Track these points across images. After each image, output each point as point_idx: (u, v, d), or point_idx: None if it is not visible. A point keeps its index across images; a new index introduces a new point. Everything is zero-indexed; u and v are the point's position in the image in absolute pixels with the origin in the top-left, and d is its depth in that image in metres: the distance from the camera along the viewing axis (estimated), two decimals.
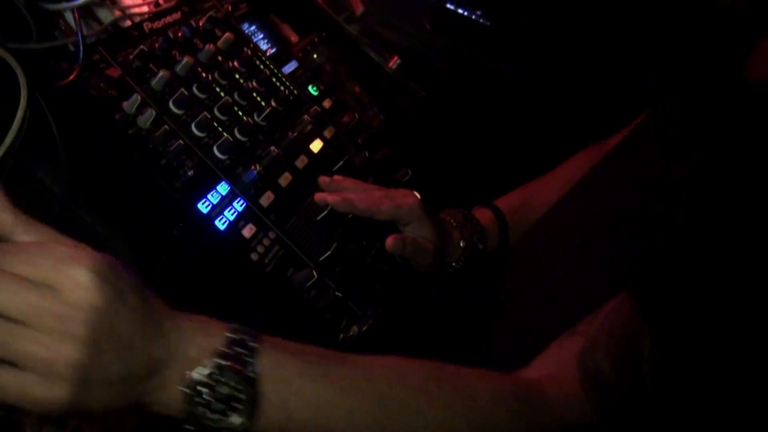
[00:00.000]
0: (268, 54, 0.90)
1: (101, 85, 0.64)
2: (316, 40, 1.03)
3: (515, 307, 0.82)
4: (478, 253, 0.87)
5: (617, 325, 0.64)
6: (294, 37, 1.04)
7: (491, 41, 1.31)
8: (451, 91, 1.21)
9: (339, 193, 0.77)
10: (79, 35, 0.62)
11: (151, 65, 0.70)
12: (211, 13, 0.81)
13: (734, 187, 0.64)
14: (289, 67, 0.92)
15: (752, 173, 0.63)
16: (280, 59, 0.91)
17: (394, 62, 1.13)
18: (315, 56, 1.03)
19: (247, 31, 0.89)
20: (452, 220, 0.87)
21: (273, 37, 0.96)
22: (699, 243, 0.62)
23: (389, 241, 0.76)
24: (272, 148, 0.75)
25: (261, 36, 0.93)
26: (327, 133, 0.86)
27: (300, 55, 0.99)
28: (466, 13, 1.28)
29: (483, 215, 0.91)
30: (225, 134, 0.71)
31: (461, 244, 0.85)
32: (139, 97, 0.65)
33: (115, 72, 0.66)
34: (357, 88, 1.06)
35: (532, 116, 1.29)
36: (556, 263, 0.79)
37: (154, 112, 0.65)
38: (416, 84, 1.15)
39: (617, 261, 0.71)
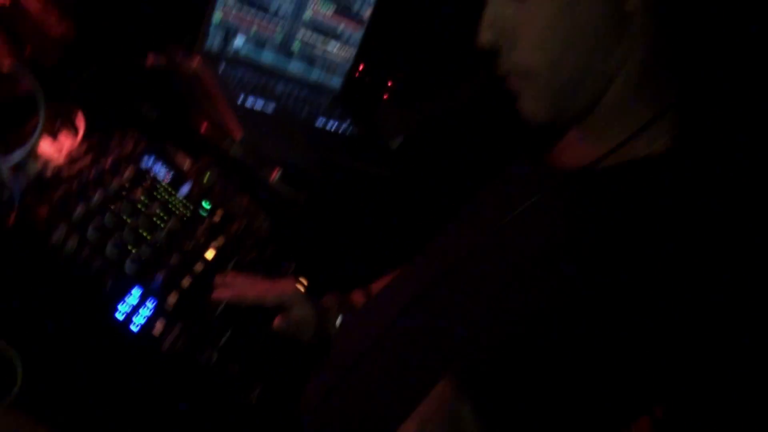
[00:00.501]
0: (165, 180, 1.10)
1: (34, 221, 0.83)
2: (205, 162, 1.25)
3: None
4: None
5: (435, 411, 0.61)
6: (188, 162, 1.25)
7: (362, 148, 1.57)
8: (327, 194, 1.44)
9: (231, 288, 0.97)
10: (16, 187, 0.81)
11: (70, 202, 0.89)
12: (114, 154, 1.02)
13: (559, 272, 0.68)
14: (185, 188, 1.12)
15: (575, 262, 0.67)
16: (176, 183, 1.11)
17: (275, 174, 1.36)
18: (207, 176, 1.24)
19: (146, 164, 1.10)
20: (331, 303, 1.08)
21: (170, 164, 1.16)
22: (528, 329, 0.66)
23: (275, 323, 0.96)
24: (173, 258, 0.94)
25: (159, 164, 1.13)
26: (218, 242, 1.06)
27: (194, 177, 1.19)
28: (334, 128, 1.54)
29: (358, 297, 1.12)
30: (134, 250, 0.90)
31: (338, 323, 1.06)
32: (64, 228, 0.84)
33: (43, 211, 0.85)
34: (245, 201, 1.28)
35: (403, 213, 1.54)
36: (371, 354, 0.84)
37: (75, 239, 0.84)
38: (296, 190, 1.37)
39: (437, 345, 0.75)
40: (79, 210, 0.88)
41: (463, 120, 2.07)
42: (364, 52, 1.72)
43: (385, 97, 2.00)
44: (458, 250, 0.81)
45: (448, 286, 0.79)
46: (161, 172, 1.12)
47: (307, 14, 1.57)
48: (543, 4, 0.67)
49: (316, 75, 1.65)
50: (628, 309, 0.62)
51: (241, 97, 1.37)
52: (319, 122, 1.50)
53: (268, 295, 0.99)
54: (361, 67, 2.29)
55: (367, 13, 1.65)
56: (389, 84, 2.38)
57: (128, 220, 0.94)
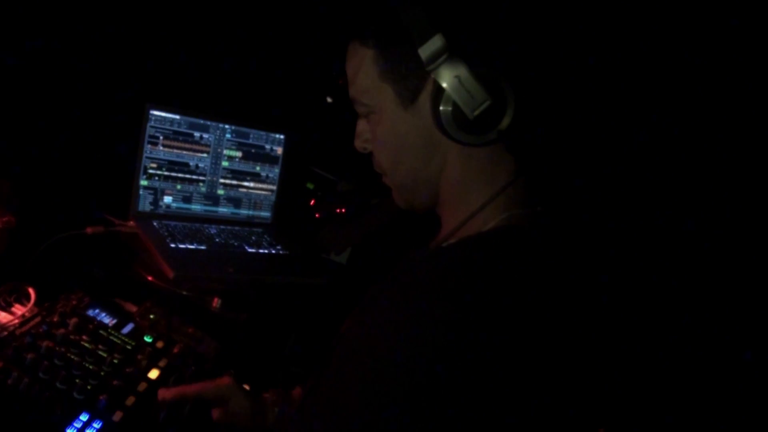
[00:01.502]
0: (110, 325, 1.28)
1: None
2: (149, 305, 1.43)
3: None
4: None
5: None
6: (134, 308, 1.43)
7: (294, 265, 1.76)
8: (266, 309, 1.61)
9: (173, 389, 1.13)
10: None
11: (23, 354, 1.07)
12: (60, 310, 1.21)
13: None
14: (128, 328, 1.30)
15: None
16: (119, 325, 1.29)
17: (216, 302, 1.54)
18: (152, 316, 1.42)
19: (91, 314, 1.28)
20: (270, 397, 1.22)
21: (115, 312, 1.34)
22: None
23: (214, 415, 1.12)
24: (115, 382, 1.11)
25: (104, 314, 1.31)
26: (161, 363, 1.23)
27: (138, 318, 1.37)
28: (265, 252, 1.74)
29: (298, 392, 1.26)
30: (79, 381, 1.06)
31: (275, 411, 1.20)
32: (16, 374, 1.01)
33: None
34: (190, 329, 1.45)
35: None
36: None
37: (27, 381, 1.00)
38: (237, 312, 1.55)
39: None
40: (29, 358, 1.05)
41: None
42: (289, 183, 1.96)
43: (316, 216, 2.23)
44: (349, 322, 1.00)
45: (337, 355, 0.89)
46: (105, 318, 1.30)
47: (225, 163, 1.82)
48: (378, 125, 0.91)
49: (245, 213, 1.88)
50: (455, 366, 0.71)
51: (176, 243, 1.58)
52: (252, 249, 1.70)
53: (206, 389, 1.15)
54: (312, 202, 2.55)
55: (278, 151, 1.90)
56: (338, 211, 2.62)
57: (74, 358, 1.11)
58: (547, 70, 0.90)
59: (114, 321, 1.31)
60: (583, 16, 1.70)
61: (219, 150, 1.80)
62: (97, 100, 1.69)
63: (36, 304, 1.26)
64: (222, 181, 1.83)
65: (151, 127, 1.68)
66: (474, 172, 0.89)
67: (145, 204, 1.70)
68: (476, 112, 0.82)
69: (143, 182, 1.68)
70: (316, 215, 2.25)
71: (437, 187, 0.92)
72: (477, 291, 0.75)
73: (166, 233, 1.61)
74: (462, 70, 0.81)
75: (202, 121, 1.76)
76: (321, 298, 1.74)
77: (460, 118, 0.83)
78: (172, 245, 1.56)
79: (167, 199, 1.73)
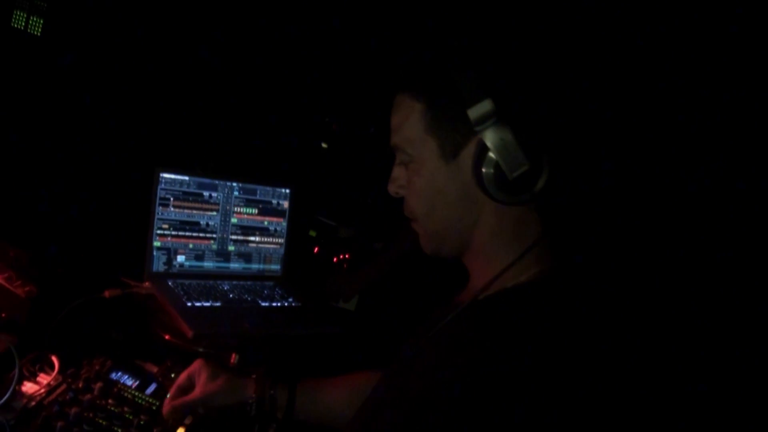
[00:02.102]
0: (133, 386, 1.30)
1: None
2: (169, 364, 1.45)
3: None
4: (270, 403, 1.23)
5: None
6: (155, 368, 1.45)
7: (307, 317, 1.79)
8: (285, 362, 1.63)
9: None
10: (5, 422, 1.01)
11: (52, 423, 1.09)
12: (84, 375, 1.23)
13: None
14: (151, 389, 1.32)
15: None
16: (143, 386, 1.31)
17: (234, 359, 1.56)
18: (173, 375, 1.44)
19: (114, 377, 1.30)
20: (254, 374, 1.26)
21: (137, 373, 1.37)
22: None
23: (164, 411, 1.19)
24: None
25: (127, 376, 1.34)
26: (187, 421, 1.24)
27: (160, 378, 1.39)
28: (278, 305, 1.76)
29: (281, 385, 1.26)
30: None
31: (254, 393, 1.23)
32: None
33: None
34: None
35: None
36: None
37: None
38: (253, 366, 1.57)
39: None
40: (59, 426, 1.07)
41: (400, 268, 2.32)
42: (296, 235, 2.00)
43: (336, 261, 2.27)
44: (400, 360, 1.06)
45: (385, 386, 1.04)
46: (128, 380, 1.32)
47: (234, 220, 1.86)
48: (417, 174, 0.96)
49: (255, 268, 1.92)
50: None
51: (192, 302, 1.61)
52: (265, 303, 1.73)
53: (179, 380, 1.22)
54: (316, 250, 2.59)
55: (285, 204, 1.95)
56: (341, 257, 2.66)
57: (103, 422, 1.14)
58: (580, 143, 0.97)
59: (137, 382, 1.33)
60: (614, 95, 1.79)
61: (228, 207, 1.85)
62: (108, 167, 1.74)
63: (60, 371, 1.28)
64: (232, 237, 1.87)
65: (162, 189, 1.73)
66: (506, 228, 0.96)
67: (159, 264, 1.73)
68: (515, 174, 0.88)
69: (156, 243, 1.72)
70: (335, 259, 2.29)
71: (469, 238, 0.98)
72: (538, 339, 0.84)
73: (181, 292, 1.64)
74: (507, 135, 0.88)
75: (210, 181, 1.81)
76: (335, 347, 1.77)
77: (500, 179, 0.89)
78: (189, 304, 1.59)
79: (180, 258, 1.77)
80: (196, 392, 1.22)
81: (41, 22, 1.73)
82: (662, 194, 1.95)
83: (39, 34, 1.56)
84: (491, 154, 0.88)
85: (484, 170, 0.89)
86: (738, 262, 1.89)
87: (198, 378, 1.25)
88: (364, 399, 1.20)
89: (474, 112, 0.87)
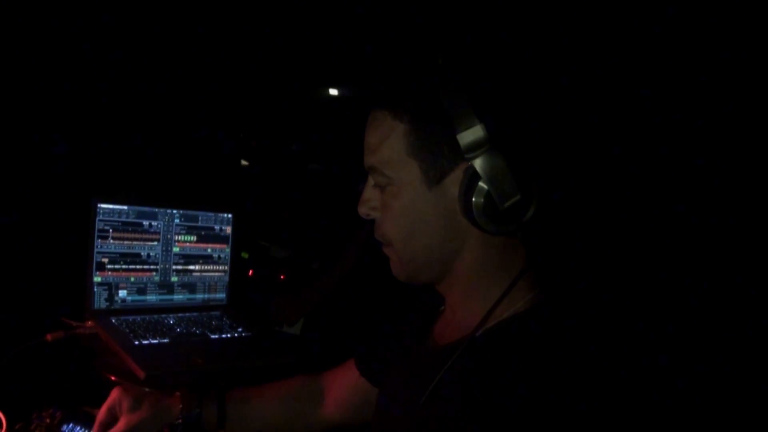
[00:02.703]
0: None
1: None
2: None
3: None
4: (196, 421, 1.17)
5: None
6: None
7: (259, 347, 1.74)
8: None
9: None
10: None
11: None
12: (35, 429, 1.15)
13: None
14: None
15: None
16: None
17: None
18: None
19: (66, 430, 1.22)
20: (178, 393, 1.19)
21: (89, 422, 1.28)
22: None
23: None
24: None
25: (79, 428, 1.26)
26: None
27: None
28: (228, 336, 1.71)
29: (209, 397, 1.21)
30: None
31: (179, 413, 1.17)
32: None
33: None
34: (166, 429, 1.40)
35: None
36: None
37: None
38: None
39: None
40: None
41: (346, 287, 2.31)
42: (238, 261, 1.95)
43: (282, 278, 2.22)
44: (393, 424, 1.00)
45: None
46: (81, 430, 1.25)
47: (176, 249, 1.79)
48: (395, 198, 0.90)
49: (200, 298, 1.85)
50: None
51: (139, 340, 1.53)
52: (215, 335, 1.67)
53: (99, 415, 1.14)
54: (251, 272, 2.52)
55: (227, 230, 1.89)
56: (281, 278, 2.62)
57: None
58: (569, 173, 0.96)
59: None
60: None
61: (169, 236, 1.78)
62: (38, 200, 1.64)
63: (8, 429, 1.19)
64: (175, 267, 1.80)
65: (100, 221, 1.64)
66: (491, 257, 0.92)
67: (100, 301, 1.64)
68: (507, 204, 0.84)
69: (96, 279, 1.64)
70: (282, 277, 2.25)
71: (449, 267, 0.93)
72: (577, 374, 0.82)
73: (127, 330, 1.56)
74: (501, 163, 0.83)
75: (150, 209, 1.74)
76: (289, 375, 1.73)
77: (490, 208, 0.84)
78: (136, 342, 1.51)
79: (122, 293, 1.69)
80: (120, 425, 1.13)
81: None
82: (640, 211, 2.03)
83: None
84: (482, 183, 0.84)
85: (474, 199, 0.84)
86: (718, 282, 1.98)
87: (119, 409, 1.15)
88: (300, 407, 1.22)
89: (465, 138, 0.83)
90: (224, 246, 1.90)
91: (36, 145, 1.64)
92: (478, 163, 0.84)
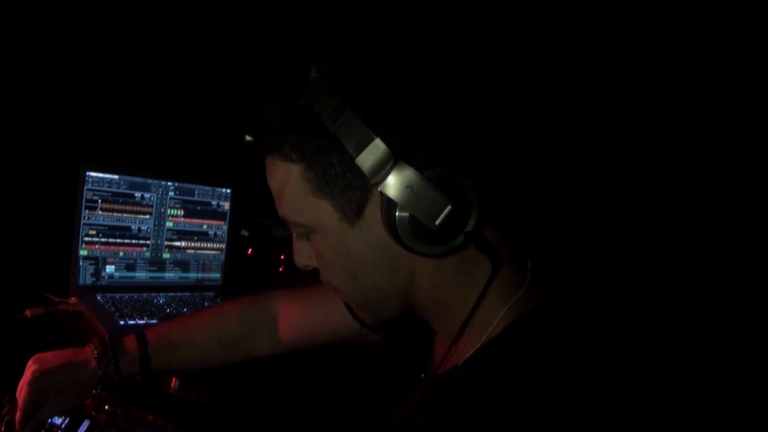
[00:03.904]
0: (62, 426, 1.12)
1: None
2: (102, 394, 1.27)
3: None
4: (116, 378, 1.07)
5: None
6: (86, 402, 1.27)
7: None
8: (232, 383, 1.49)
9: None
10: None
11: None
12: (6, 418, 1.05)
13: None
14: (84, 427, 1.14)
15: None
16: (74, 425, 1.14)
17: (174, 383, 1.40)
18: (107, 407, 1.26)
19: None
20: (94, 351, 1.06)
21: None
22: None
23: None
24: None
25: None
26: None
27: (93, 413, 1.22)
28: None
29: (129, 343, 1.09)
30: None
31: (98, 373, 1.06)
32: None
33: None
34: (150, 417, 1.30)
35: None
36: None
37: None
38: (198, 391, 1.41)
39: None
40: None
41: None
42: (237, 239, 1.84)
43: (281, 270, 2.11)
44: None
45: None
46: (57, 419, 1.14)
47: (169, 224, 1.68)
48: (322, 244, 0.77)
49: (193, 277, 1.74)
50: None
51: (125, 320, 1.43)
52: None
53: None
54: (250, 251, 2.41)
55: (225, 206, 1.78)
56: (281, 257, 2.50)
57: None
58: (504, 157, 0.81)
59: (66, 420, 1.15)
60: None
61: (162, 210, 1.67)
62: (24, 165, 1.53)
63: None
64: (167, 244, 1.69)
65: (89, 190, 1.53)
66: (449, 278, 0.79)
67: (86, 276, 1.54)
68: (438, 221, 0.70)
69: (83, 252, 1.53)
70: (280, 269, 2.14)
71: (409, 297, 0.80)
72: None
73: (113, 308, 1.46)
74: (414, 178, 0.69)
75: (142, 180, 1.62)
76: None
77: (420, 230, 0.70)
78: (121, 322, 1.41)
79: (109, 268, 1.58)
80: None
81: None
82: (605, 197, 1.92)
83: None
84: (404, 206, 0.69)
85: (399, 225, 0.70)
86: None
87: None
88: (236, 334, 1.14)
89: (364, 162, 0.68)
90: (221, 223, 1.79)
91: (23, 106, 1.52)
92: (388, 186, 0.69)
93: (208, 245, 1.77)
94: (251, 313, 1.18)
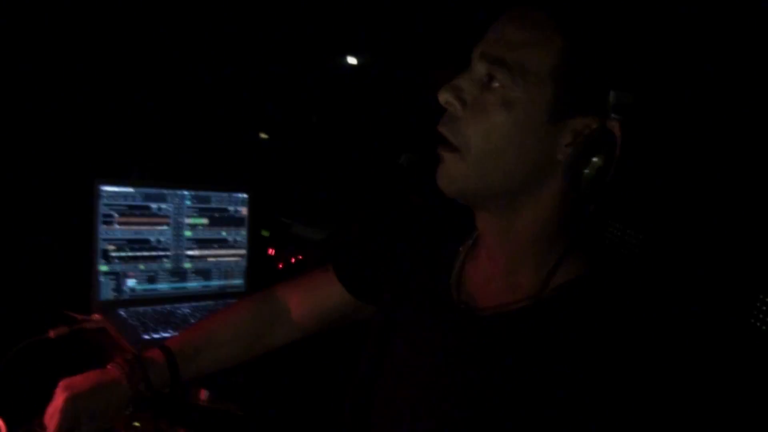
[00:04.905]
0: None
1: None
2: (132, 411, 1.25)
3: None
4: (149, 394, 1.06)
5: None
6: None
7: None
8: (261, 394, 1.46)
9: None
10: None
11: None
12: None
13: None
14: None
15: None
16: None
17: (204, 395, 1.38)
18: (136, 424, 1.24)
19: None
20: (122, 369, 1.04)
21: None
22: None
23: None
24: None
25: None
26: None
27: (122, 428, 1.20)
28: None
29: (155, 355, 1.07)
30: None
31: (129, 392, 1.04)
32: None
33: None
34: (181, 430, 1.28)
35: None
36: None
37: None
38: (230, 402, 1.39)
39: None
40: None
41: None
42: (258, 242, 1.81)
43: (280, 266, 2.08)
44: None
45: None
46: None
47: (188, 233, 1.66)
48: (503, 108, 0.77)
49: (216, 284, 1.72)
50: None
51: (149, 333, 1.41)
52: None
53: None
54: (271, 252, 2.38)
55: (243, 211, 1.76)
56: (299, 257, 2.47)
57: None
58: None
59: None
60: None
61: (180, 220, 1.64)
62: (37, 182, 1.51)
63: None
64: (187, 253, 1.66)
65: (104, 205, 1.51)
66: (560, 216, 0.82)
67: (107, 292, 1.52)
68: (611, 178, 0.77)
69: (102, 267, 1.51)
70: (292, 260, 2.10)
71: (517, 206, 0.82)
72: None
73: (136, 323, 1.44)
74: (633, 136, 0.76)
75: (157, 191, 1.60)
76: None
77: (600, 175, 0.76)
78: (146, 337, 1.39)
79: (131, 282, 1.56)
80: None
81: None
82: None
83: None
84: (610, 151, 0.76)
85: (594, 159, 0.76)
86: None
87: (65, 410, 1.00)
88: (257, 336, 1.16)
89: (621, 97, 0.75)
90: (240, 228, 1.76)
91: (33, 123, 1.50)
92: (616, 129, 0.76)
93: (229, 252, 1.74)
94: (262, 307, 1.20)
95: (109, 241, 1.52)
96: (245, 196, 1.77)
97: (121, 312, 1.49)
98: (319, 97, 2.91)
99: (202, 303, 1.64)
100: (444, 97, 0.81)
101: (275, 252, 2.38)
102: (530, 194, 0.81)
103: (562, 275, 0.82)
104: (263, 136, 2.82)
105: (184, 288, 1.66)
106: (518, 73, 0.76)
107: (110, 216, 1.52)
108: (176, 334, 1.43)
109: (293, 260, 2.43)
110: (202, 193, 1.68)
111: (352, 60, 3.10)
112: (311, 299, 1.18)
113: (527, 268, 0.84)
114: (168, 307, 1.57)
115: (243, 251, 1.77)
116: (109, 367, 1.06)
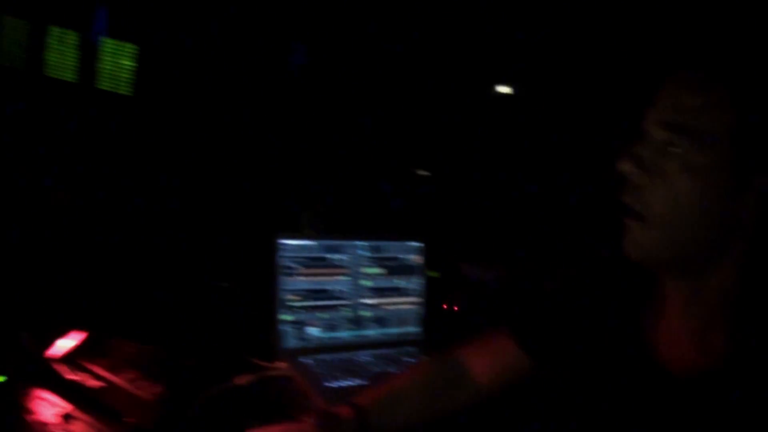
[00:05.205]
0: None
1: None
2: None
3: None
4: None
5: None
6: None
7: None
8: None
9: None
10: None
11: None
12: None
13: None
14: None
15: None
16: None
17: None
18: None
19: None
20: (313, 425, 1.02)
21: None
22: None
23: None
24: None
25: None
26: None
27: None
28: None
29: (344, 412, 1.05)
30: None
31: None
32: None
33: None
34: None
35: None
36: None
37: None
38: None
39: None
40: None
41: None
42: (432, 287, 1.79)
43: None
44: None
45: None
46: None
47: (366, 283, 1.67)
48: (687, 172, 0.78)
49: (394, 332, 1.71)
50: None
51: (334, 381, 1.41)
52: None
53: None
54: (445, 306, 2.34)
55: (417, 259, 1.74)
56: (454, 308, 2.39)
57: None
58: None
59: None
60: None
61: (357, 270, 1.67)
62: (220, 238, 1.61)
63: None
64: (365, 302, 1.67)
65: (284, 257, 1.56)
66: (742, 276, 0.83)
67: (290, 340, 1.56)
68: None
69: (285, 317, 1.55)
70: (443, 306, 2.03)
71: (707, 267, 0.82)
72: None
73: (318, 370, 1.45)
74: None
75: (334, 243, 1.64)
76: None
77: None
78: (328, 384, 1.39)
79: (312, 330, 1.59)
80: None
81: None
82: None
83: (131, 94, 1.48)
84: None
85: None
86: None
87: None
88: (442, 396, 1.13)
89: None
90: (415, 276, 1.75)
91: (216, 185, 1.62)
92: None
93: (405, 299, 1.73)
94: (444, 371, 1.18)
95: (291, 291, 1.57)
96: (419, 244, 1.76)
97: (304, 360, 1.51)
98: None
99: (381, 351, 1.63)
100: (625, 167, 0.82)
101: (448, 298, 2.32)
102: (719, 257, 0.81)
103: (754, 334, 0.80)
104: (423, 172, 2.81)
105: (363, 336, 1.66)
106: (698, 138, 0.77)
107: (290, 268, 1.57)
108: (358, 382, 1.42)
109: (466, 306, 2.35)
110: (376, 244, 1.70)
111: (503, 89, 3.03)
112: (490, 365, 1.16)
113: (720, 330, 0.82)
114: (348, 354, 1.58)
115: (418, 299, 1.75)
116: (300, 422, 1.09)
